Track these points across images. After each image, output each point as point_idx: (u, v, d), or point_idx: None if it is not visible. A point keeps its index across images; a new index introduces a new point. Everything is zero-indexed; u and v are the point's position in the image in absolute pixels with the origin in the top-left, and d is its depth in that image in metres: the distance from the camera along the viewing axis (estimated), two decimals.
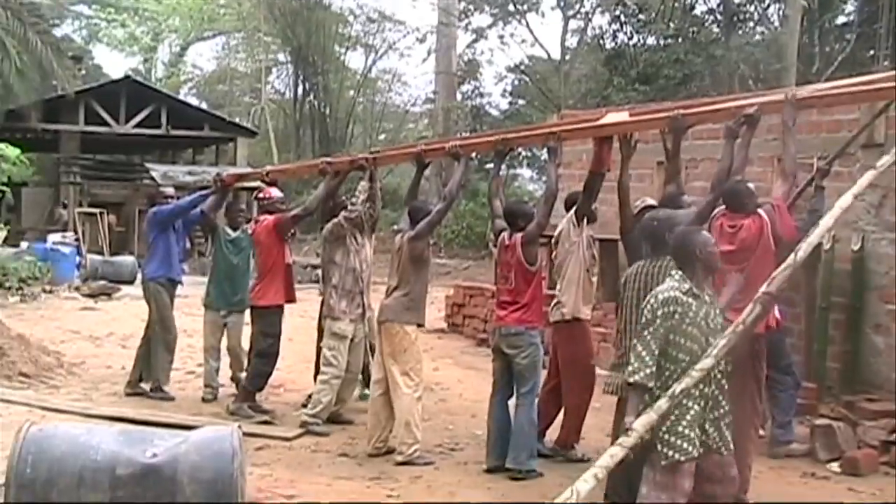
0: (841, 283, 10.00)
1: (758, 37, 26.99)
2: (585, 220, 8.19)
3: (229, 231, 10.16)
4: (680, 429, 5.34)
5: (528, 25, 32.94)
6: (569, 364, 8.24)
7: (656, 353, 5.32)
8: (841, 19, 27.94)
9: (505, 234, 8.02)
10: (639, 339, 5.40)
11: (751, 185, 7.39)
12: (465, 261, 27.71)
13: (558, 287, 8.38)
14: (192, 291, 12.35)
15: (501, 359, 7.95)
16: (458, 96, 34.41)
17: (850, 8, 27.67)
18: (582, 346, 8.28)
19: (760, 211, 7.04)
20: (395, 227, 8.74)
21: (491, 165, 9.91)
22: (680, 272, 5.50)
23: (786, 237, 6.96)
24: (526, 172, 37.70)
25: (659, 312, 5.35)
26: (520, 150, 30.44)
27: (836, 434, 8.34)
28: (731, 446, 5.57)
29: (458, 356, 13.34)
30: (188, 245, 11.07)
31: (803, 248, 5.73)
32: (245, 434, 5.94)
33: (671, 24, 26.74)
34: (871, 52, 23.66)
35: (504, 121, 30.81)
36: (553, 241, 8.55)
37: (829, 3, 26.60)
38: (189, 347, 11.76)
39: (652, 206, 7.74)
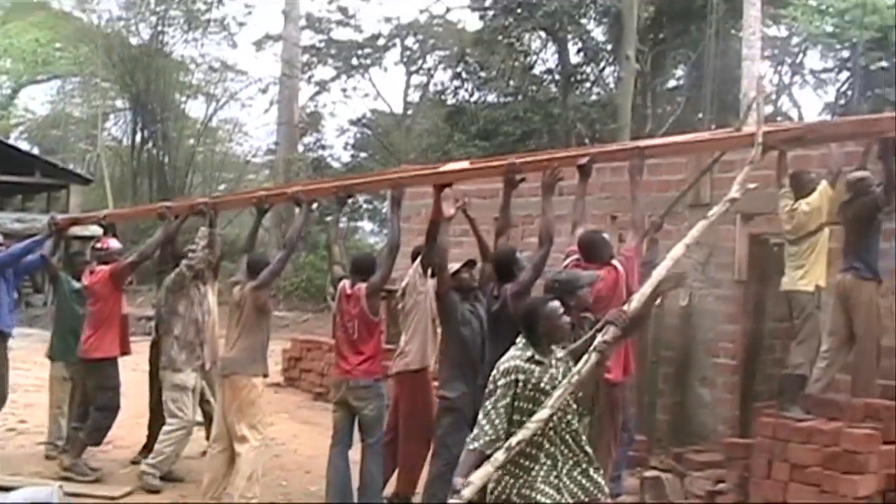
0: (670, 337, 10.30)
1: (594, 97, 27.79)
2: (431, 271, 8.23)
3: (74, 282, 9.82)
4: (525, 490, 5.34)
5: (370, 79, 33.24)
6: (410, 416, 8.22)
7: (498, 422, 5.28)
8: (672, 83, 29.12)
9: (346, 283, 8.00)
10: (482, 408, 5.38)
11: (605, 235, 7.54)
12: (305, 313, 27.47)
13: (403, 337, 8.40)
14: (17, 344, 11.85)
15: (345, 410, 7.95)
16: (300, 148, 34.29)
17: (680, 73, 28.86)
18: (424, 398, 8.27)
19: (615, 262, 7.16)
20: (233, 279, 8.64)
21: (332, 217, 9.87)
22: (523, 340, 5.51)
23: (635, 289, 7.13)
24: (367, 225, 37.75)
25: (500, 382, 5.35)
26: (361, 202, 30.58)
27: (664, 485, 8.53)
28: (606, 490, 5.59)
29: (295, 411, 13.17)
30: (16, 295, 10.64)
31: (636, 298, 5.85)
32: (68, 493, 5.71)
33: (511, 83, 27.36)
34: (700, 115, 24.62)
35: (345, 173, 30.74)
36: (400, 292, 8.57)
37: (661, 68, 27.68)
38: (12, 403, 11.24)
39: (474, 262, 7.90)
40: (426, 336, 8.25)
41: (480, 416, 5.35)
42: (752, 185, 7.14)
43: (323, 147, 34.45)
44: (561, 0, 25.13)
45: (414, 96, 33.66)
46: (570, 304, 6.00)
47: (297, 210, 8.95)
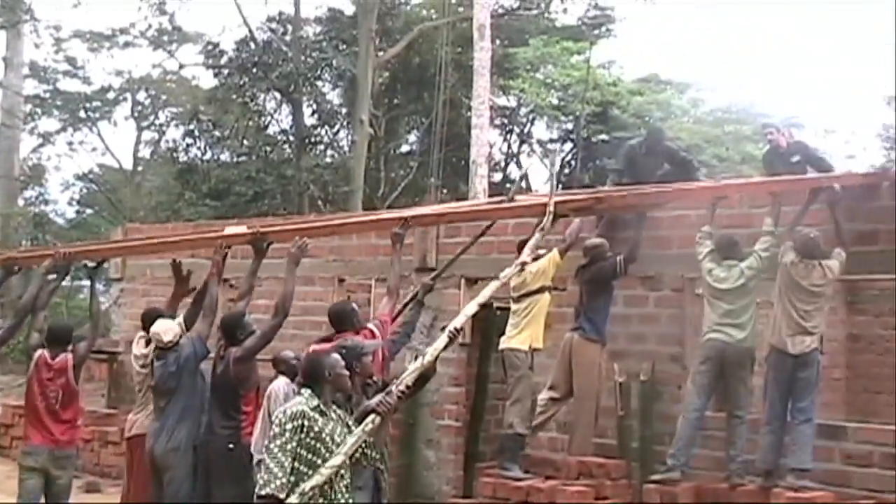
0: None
1: (328, 159, 27.94)
2: None
3: None
4: None
5: (99, 133, 32.12)
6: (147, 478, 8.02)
7: (287, 465, 5.37)
8: (405, 148, 29.69)
9: (46, 353, 7.85)
10: (268, 452, 5.46)
11: (354, 305, 7.81)
12: (21, 377, 25.96)
13: (140, 401, 8.22)
14: None
15: (38, 478, 7.72)
16: (20, 202, 32.62)
17: (413, 138, 29.50)
18: None
19: (371, 326, 7.45)
20: None
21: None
22: (309, 390, 5.66)
23: (388, 351, 7.48)
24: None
25: (288, 426, 5.45)
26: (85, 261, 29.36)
27: None
28: None
29: (2, 482, 12.34)
30: None
31: (430, 353, 6.18)
32: None
33: (245, 142, 27.16)
34: (433, 179, 25.21)
35: (70, 230, 29.60)
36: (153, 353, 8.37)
37: (394, 133, 28.22)
38: None
39: None
40: None
41: (267, 459, 5.42)
42: (541, 251, 7.47)
43: (46, 202, 32.87)
44: (296, 62, 25.24)
45: (145, 152, 32.81)
46: (356, 371, 6.22)
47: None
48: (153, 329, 7.91)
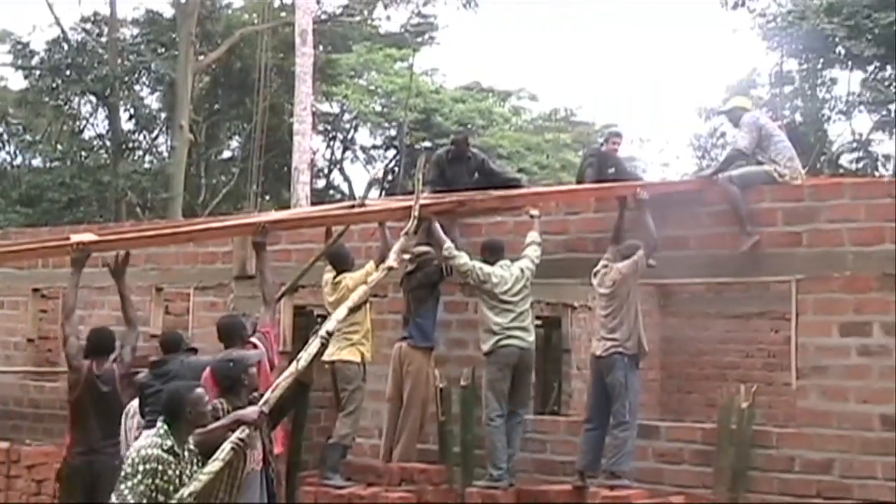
0: None
1: (146, 165, 27.36)
2: None
3: None
4: None
5: None
6: None
7: None
8: (226, 154, 29.27)
9: None
10: (118, 495, 5.30)
11: (243, 318, 7.69)
12: None
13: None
14: None
15: None
16: None
17: (234, 144, 29.09)
18: None
19: (254, 340, 7.27)
20: None
21: None
22: (165, 427, 5.46)
23: (278, 361, 7.41)
24: None
25: (140, 468, 5.31)
26: None
27: None
28: None
29: None
30: None
31: (304, 358, 5.99)
32: None
33: (58, 147, 26.35)
34: (254, 186, 24.91)
35: None
36: None
37: (215, 138, 27.81)
38: None
39: None
40: None
41: (114, 500, 5.29)
42: (406, 256, 7.84)
43: None
44: (112, 64, 24.56)
45: None
46: (245, 384, 6.02)
47: None
48: None
